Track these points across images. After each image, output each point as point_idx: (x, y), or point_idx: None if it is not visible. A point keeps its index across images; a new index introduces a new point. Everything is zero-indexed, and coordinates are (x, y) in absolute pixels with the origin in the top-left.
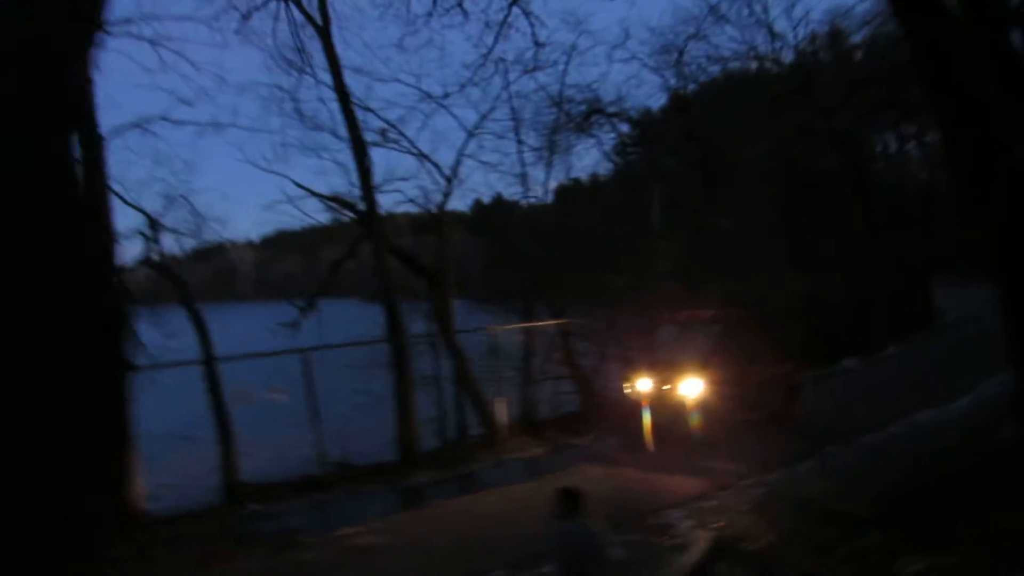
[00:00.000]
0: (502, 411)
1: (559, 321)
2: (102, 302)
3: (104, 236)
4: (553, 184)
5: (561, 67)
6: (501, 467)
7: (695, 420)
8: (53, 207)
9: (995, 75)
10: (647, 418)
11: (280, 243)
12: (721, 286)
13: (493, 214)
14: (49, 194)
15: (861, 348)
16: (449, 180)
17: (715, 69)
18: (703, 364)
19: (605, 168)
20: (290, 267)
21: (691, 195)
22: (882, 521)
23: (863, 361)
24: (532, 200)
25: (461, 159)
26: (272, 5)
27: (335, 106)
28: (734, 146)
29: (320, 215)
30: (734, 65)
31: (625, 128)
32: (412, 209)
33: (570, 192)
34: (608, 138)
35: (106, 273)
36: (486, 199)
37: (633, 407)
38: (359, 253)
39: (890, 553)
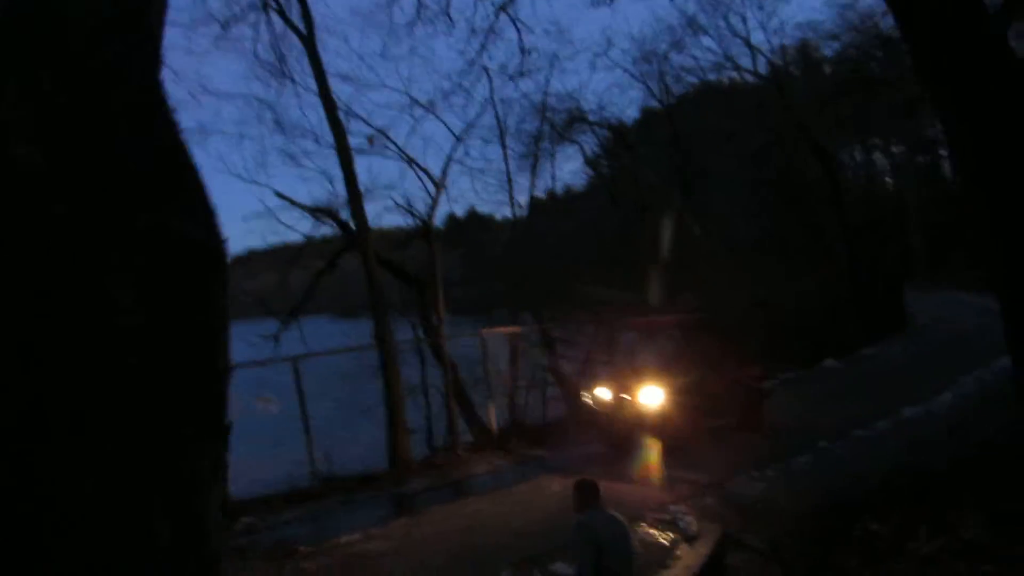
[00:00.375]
0: (491, 418)
1: (540, 327)
2: (208, 240)
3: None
4: (538, 191)
5: (544, 75)
6: (493, 473)
7: (659, 428)
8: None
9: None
10: (608, 427)
11: (252, 262)
12: (697, 292)
13: (469, 227)
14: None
15: (840, 349)
16: (438, 185)
17: (692, 79)
18: (664, 370)
19: (585, 177)
20: (262, 286)
21: (671, 201)
22: (884, 510)
23: (843, 361)
24: (516, 208)
25: (449, 164)
26: (252, 16)
27: (320, 113)
28: (713, 153)
29: (301, 224)
30: (711, 76)
31: (606, 135)
32: (394, 223)
33: (547, 204)
34: (590, 146)
35: (207, 206)
36: (460, 213)
37: (596, 416)
38: (340, 264)
39: (898, 538)
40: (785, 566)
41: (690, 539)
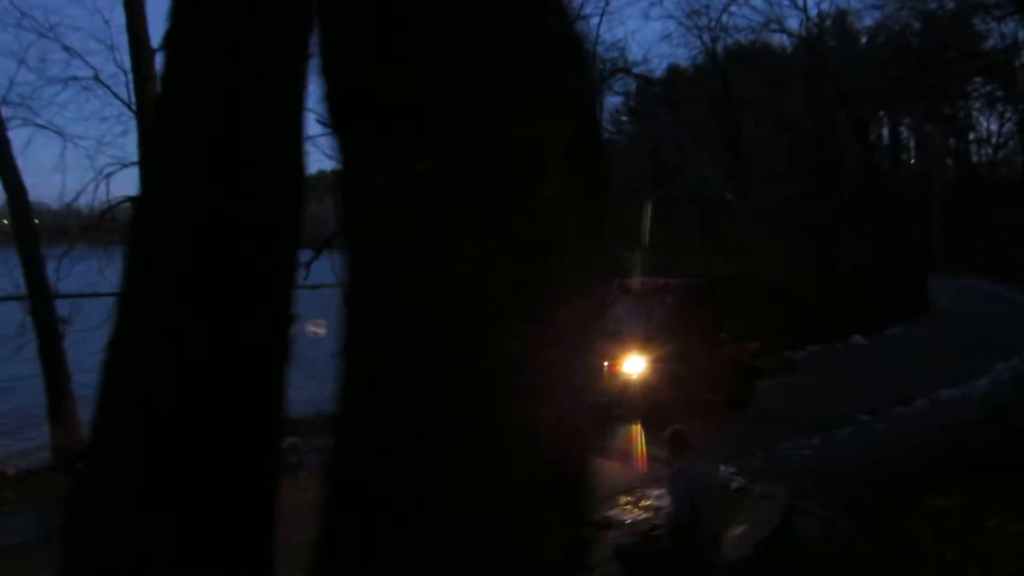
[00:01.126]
0: None
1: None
2: None
3: None
4: None
5: (596, 21)
6: None
7: (639, 400)
8: None
9: None
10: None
11: None
12: (729, 258)
13: None
14: None
15: (865, 327)
16: None
17: (736, 39)
18: (650, 338)
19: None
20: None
21: (710, 166)
22: (944, 485)
23: (869, 339)
24: None
25: None
26: None
27: None
28: (747, 118)
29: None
30: (754, 37)
31: (649, 90)
32: None
33: None
34: (628, 99)
35: None
36: None
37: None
38: None
39: (971, 515)
40: (850, 533)
41: (753, 499)
